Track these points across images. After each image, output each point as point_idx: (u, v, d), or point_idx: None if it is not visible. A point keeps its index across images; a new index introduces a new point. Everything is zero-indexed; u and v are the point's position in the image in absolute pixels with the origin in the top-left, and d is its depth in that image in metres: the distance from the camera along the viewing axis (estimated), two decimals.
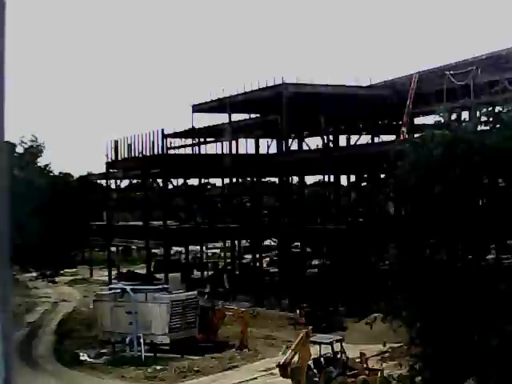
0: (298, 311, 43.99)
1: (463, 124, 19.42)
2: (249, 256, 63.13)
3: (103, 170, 66.39)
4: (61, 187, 47.46)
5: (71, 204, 66.79)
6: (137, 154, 56.29)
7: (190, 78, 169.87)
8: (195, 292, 37.55)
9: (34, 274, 67.48)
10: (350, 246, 50.91)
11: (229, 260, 66.11)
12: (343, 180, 67.39)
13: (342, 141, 64.94)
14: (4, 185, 2.48)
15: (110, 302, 36.84)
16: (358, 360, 27.04)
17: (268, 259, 65.61)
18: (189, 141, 67.47)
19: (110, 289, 40.10)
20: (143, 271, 59.66)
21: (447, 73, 48.92)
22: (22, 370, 29.28)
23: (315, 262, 60.06)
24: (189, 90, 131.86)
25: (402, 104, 51.12)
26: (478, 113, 19.51)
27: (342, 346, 27.07)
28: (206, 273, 60.96)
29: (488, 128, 18.51)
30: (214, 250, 75.54)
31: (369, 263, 53.24)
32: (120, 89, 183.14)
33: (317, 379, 25.98)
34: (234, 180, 65.46)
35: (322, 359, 26.77)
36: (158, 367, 33.27)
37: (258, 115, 62.70)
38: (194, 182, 73.44)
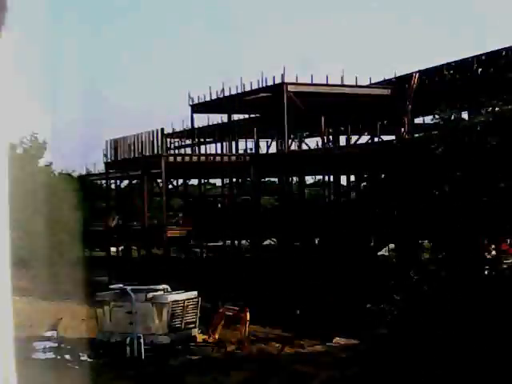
0: (298, 311, 44.01)
1: (463, 124, 19.42)
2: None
3: (102, 169, 66.47)
4: (61, 187, 47.41)
5: (71, 204, 66.70)
6: (137, 154, 56.31)
7: (190, 77, 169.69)
8: (195, 292, 37.55)
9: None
10: (349, 245, 50.97)
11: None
12: (343, 181, 67.46)
13: (342, 141, 64.99)
14: (4, 185, 2.48)
15: (110, 301, 36.83)
16: None
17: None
18: (188, 141, 67.50)
19: (110, 289, 40.09)
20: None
21: (447, 72, 48.95)
22: (21, 369, 29.25)
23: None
24: (189, 89, 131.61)
25: (401, 104, 51.15)
26: (477, 113, 19.52)
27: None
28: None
29: (488, 128, 18.51)
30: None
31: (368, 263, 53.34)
32: (120, 88, 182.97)
33: None
34: (234, 180, 65.54)
35: None
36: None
37: (258, 115, 62.75)
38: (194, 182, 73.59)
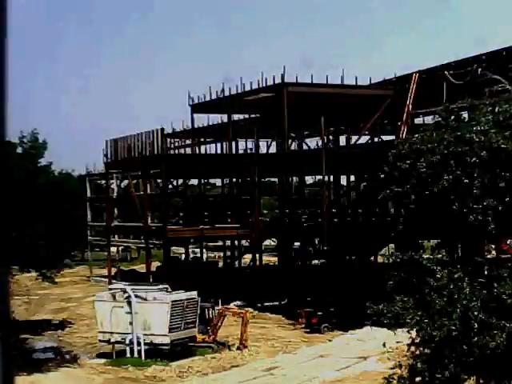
0: (298, 311, 44.03)
1: (463, 124, 19.40)
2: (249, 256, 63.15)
3: (102, 169, 66.50)
4: (61, 187, 47.42)
5: (71, 204, 66.61)
6: (136, 154, 56.31)
7: (190, 77, 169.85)
8: (195, 292, 37.54)
9: (34, 274, 67.38)
10: (349, 245, 50.99)
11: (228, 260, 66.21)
12: (343, 181, 67.55)
13: (342, 141, 65.06)
14: (4, 184, 2.48)
15: (110, 302, 36.84)
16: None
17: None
18: (189, 141, 67.55)
19: (110, 289, 40.11)
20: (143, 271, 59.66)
21: (447, 72, 48.91)
22: (21, 370, 29.26)
23: (315, 261, 60.11)
24: (189, 89, 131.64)
25: (401, 104, 51.11)
26: (477, 113, 19.50)
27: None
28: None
29: (488, 128, 18.50)
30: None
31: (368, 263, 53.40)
32: (120, 88, 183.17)
33: None
34: (234, 180, 65.58)
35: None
36: (158, 367, 33.26)
37: (258, 115, 62.73)
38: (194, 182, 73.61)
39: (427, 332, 16.93)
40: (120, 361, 34.67)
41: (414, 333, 17.73)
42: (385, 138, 59.98)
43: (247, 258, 65.45)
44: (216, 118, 65.43)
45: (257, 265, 56.51)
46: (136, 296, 36.12)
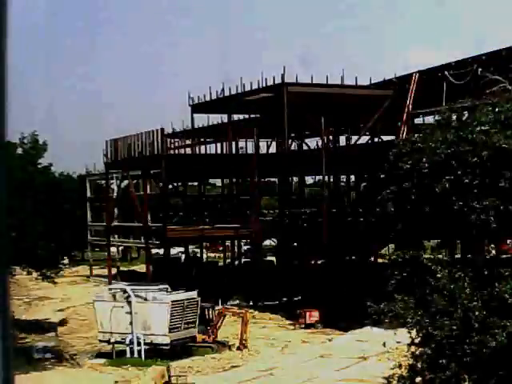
0: (298, 311, 44.06)
1: (465, 123, 19.37)
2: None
3: (102, 169, 66.51)
4: (61, 187, 47.44)
5: (71, 204, 66.62)
6: (137, 154, 56.31)
7: (190, 77, 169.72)
8: (195, 292, 37.53)
9: (34, 274, 67.37)
10: (349, 245, 50.96)
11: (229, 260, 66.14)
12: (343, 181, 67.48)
13: (342, 141, 65.03)
14: (3, 185, 2.46)
15: (110, 301, 36.82)
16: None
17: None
18: (189, 141, 67.46)
19: (110, 289, 40.08)
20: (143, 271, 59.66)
21: (447, 72, 48.87)
22: (21, 369, 29.21)
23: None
24: (189, 89, 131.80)
25: (401, 104, 51.07)
26: (479, 112, 19.48)
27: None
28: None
29: (489, 128, 18.48)
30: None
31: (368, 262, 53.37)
32: (120, 88, 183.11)
33: None
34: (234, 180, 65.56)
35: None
36: (158, 367, 33.21)
37: (258, 115, 62.71)
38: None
39: (428, 332, 16.91)
40: (120, 361, 34.65)
41: (414, 333, 17.71)
42: (385, 138, 59.93)
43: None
44: (216, 118, 65.43)
45: (256, 265, 56.52)
46: (136, 296, 36.11)
